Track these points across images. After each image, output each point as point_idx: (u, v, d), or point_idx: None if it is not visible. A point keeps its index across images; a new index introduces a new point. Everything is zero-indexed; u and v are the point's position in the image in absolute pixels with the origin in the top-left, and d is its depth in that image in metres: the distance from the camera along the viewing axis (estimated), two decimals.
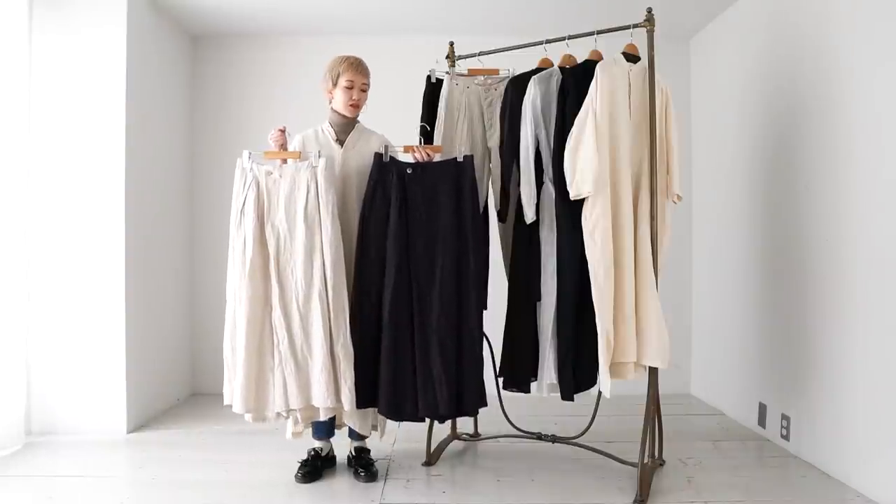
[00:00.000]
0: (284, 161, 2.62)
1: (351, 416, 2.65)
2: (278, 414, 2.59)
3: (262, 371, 2.56)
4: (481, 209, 2.90)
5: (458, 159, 2.66)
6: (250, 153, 2.61)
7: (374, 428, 2.76)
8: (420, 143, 2.85)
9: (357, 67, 2.68)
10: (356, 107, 2.70)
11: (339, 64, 2.69)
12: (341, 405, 2.55)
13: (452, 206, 2.62)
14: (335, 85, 2.70)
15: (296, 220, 2.54)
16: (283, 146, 2.70)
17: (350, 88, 2.67)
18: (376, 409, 2.65)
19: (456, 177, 2.64)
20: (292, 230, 2.54)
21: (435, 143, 2.86)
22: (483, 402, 2.65)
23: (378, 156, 2.64)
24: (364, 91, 2.72)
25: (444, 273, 2.58)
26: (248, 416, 2.58)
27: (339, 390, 2.53)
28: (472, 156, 2.72)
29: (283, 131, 2.71)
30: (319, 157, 2.55)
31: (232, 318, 2.58)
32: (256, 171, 2.59)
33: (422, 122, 2.99)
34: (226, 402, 2.61)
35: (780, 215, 3.15)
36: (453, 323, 2.58)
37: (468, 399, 2.60)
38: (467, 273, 2.61)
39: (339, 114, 2.73)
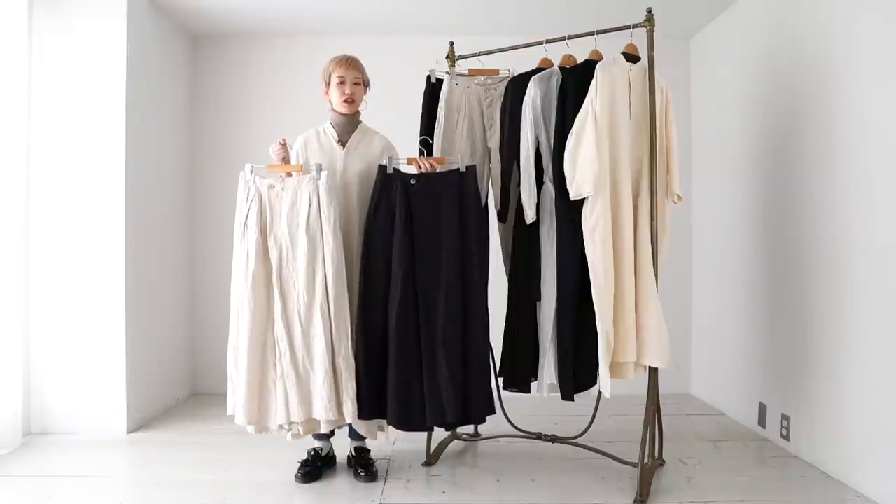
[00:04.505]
0: (289, 174, 2.61)
1: (357, 422, 2.64)
2: (280, 426, 2.59)
3: (264, 383, 2.57)
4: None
5: (461, 169, 2.66)
6: (252, 166, 2.62)
7: (381, 428, 2.73)
8: (423, 154, 2.84)
9: (346, 62, 2.70)
10: (351, 101, 2.69)
11: (329, 63, 2.73)
12: (343, 418, 2.55)
13: (456, 215, 2.62)
14: (329, 85, 2.72)
15: (298, 233, 2.54)
16: (285, 159, 2.70)
17: (342, 84, 2.68)
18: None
19: (459, 187, 2.64)
20: (294, 243, 2.55)
21: (435, 143, 2.86)
22: (492, 409, 2.65)
23: (382, 168, 2.64)
24: (357, 85, 2.71)
25: (450, 281, 2.58)
26: (250, 428, 2.60)
27: (341, 403, 2.53)
28: (474, 165, 2.73)
29: (283, 144, 2.72)
30: (321, 170, 2.55)
31: (235, 330, 2.59)
32: (259, 185, 2.59)
33: (421, 121, 2.99)
34: (229, 412, 2.62)
35: (779, 215, 3.15)
36: (459, 331, 2.58)
37: (476, 406, 2.60)
38: (472, 281, 2.61)
39: (339, 113, 2.73)
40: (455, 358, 2.56)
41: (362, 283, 2.61)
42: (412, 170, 2.69)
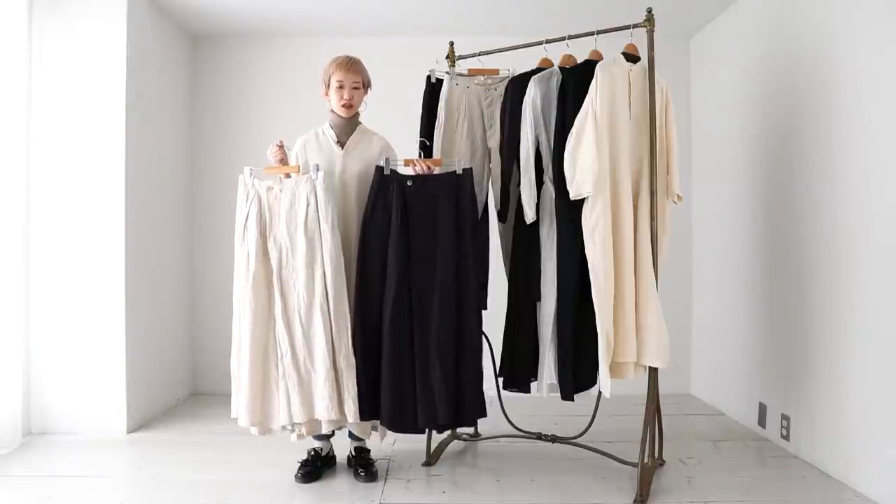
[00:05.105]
0: (287, 175, 2.62)
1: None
2: (283, 427, 2.60)
3: (266, 384, 2.58)
4: (481, 210, 2.91)
5: (458, 172, 2.66)
6: (251, 169, 2.63)
7: (375, 429, 2.75)
8: (420, 156, 2.84)
9: (346, 66, 2.67)
10: (349, 106, 2.69)
11: (329, 65, 2.71)
12: (344, 417, 2.56)
13: (452, 217, 2.62)
14: (328, 87, 2.71)
15: (297, 233, 2.55)
16: (283, 160, 2.71)
17: (341, 88, 2.67)
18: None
19: (456, 189, 2.64)
20: (293, 243, 2.56)
21: (435, 143, 2.86)
22: (483, 413, 2.65)
23: (379, 169, 2.64)
24: (357, 89, 2.70)
25: (444, 283, 2.58)
26: (253, 430, 2.61)
27: (343, 402, 2.54)
28: (471, 168, 2.73)
29: (281, 146, 2.72)
30: (318, 170, 2.56)
31: (237, 331, 2.60)
32: (258, 187, 2.61)
33: (421, 121, 2.99)
34: (232, 415, 2.63)
35: (779, 215, 3.15)
36: (453, 333, 2.58)
37: (468, 409, 2.60)
38: (467, 283, 2.61)
39: (337, 115, 2.73)
40: (448, 360, 2.56)
41: (358, 283, 2.62)
42: (409, 171, 2.69)
